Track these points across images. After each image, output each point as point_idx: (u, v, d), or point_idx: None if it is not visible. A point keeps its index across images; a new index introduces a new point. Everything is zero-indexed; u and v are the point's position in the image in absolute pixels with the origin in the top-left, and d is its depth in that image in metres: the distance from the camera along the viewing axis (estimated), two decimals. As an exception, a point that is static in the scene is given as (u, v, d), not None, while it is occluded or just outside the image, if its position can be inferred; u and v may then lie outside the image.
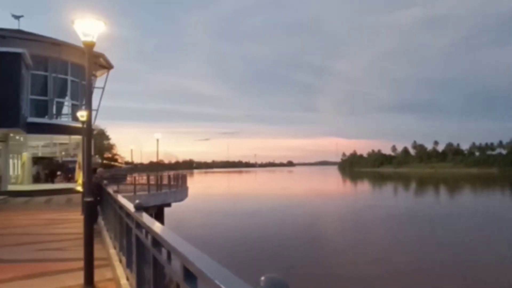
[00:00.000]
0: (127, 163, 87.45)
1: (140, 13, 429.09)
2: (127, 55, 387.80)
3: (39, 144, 33.31)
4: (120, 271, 6.21)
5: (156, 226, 3.32)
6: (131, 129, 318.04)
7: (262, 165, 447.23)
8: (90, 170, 6.05)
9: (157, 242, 3.12)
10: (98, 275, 5.91)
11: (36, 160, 35.84)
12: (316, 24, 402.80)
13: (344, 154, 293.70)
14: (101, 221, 12.08)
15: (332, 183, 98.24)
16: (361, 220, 31.05)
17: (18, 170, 33.59)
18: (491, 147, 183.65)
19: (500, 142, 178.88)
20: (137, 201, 4.58)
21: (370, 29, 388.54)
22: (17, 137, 26.74)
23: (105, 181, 12.07)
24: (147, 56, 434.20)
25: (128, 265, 5.65)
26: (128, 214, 5.23)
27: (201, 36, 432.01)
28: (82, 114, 16.72)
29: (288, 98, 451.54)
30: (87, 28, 5.74)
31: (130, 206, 4.99)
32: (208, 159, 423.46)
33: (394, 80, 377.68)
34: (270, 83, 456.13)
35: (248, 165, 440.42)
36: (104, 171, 12.86)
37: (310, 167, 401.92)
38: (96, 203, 11.75)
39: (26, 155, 31.68)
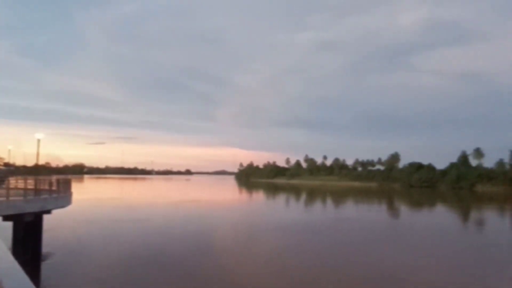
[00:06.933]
0: (6, 164, 79.17)
1: (30, 3, 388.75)
2: (13, 48, 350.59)
3: None
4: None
5: None
6: (14, 128, 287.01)
7: (159, 173, 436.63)
8: None
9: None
10: None
11: None
12: (219, 36, 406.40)
13: (241, 165, 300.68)
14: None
15: (228, 192, 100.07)
16: (248, 229, 32.35)
17: None
18: (371, 163, 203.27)
19: (379, 159, 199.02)
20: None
21: (270, 46, 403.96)
22: None
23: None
24: (36, 51, 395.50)
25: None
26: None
27: (99, 36, 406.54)
28: None
29: (188, 107, 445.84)
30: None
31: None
32: (101, 164, 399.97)
33: (290, 96, 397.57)
34: (170, 91, 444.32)
35: (144, 172, 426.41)
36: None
37: (208, 176, 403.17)
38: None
39: None
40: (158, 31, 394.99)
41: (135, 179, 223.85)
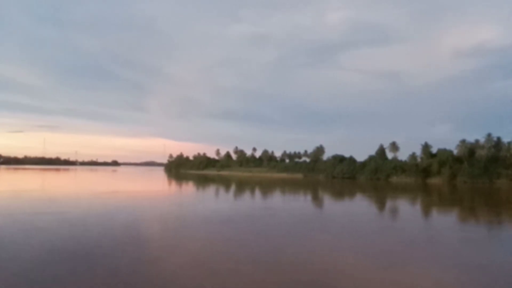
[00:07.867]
0: None
1: None
2: None
3: None
4: None
5: None
6: None
7: (84, 163, 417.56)
8: None
9: None
10: None
11: None
12: (151, 24, 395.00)
13: (171, 156, 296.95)
14: None
15: (155, 183, 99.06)
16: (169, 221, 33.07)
17: None
18: (298, 155, 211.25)
19: (306, 151, 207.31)
20: None
21: (203, 37, 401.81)
22: None
23: None
24: None
25: None
26: None
27: (20, 17, 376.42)
28: None
29: (116, 96, 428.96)
30: None
31: None
32: (20, 154, 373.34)
33: (221, 88, 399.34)
34: (98, 78, 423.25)
35: (67, 162, 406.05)
36: None
37: (136, 167, 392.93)
38: None
39: None
40: (86, 15, 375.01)
41: (58, 170, 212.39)
